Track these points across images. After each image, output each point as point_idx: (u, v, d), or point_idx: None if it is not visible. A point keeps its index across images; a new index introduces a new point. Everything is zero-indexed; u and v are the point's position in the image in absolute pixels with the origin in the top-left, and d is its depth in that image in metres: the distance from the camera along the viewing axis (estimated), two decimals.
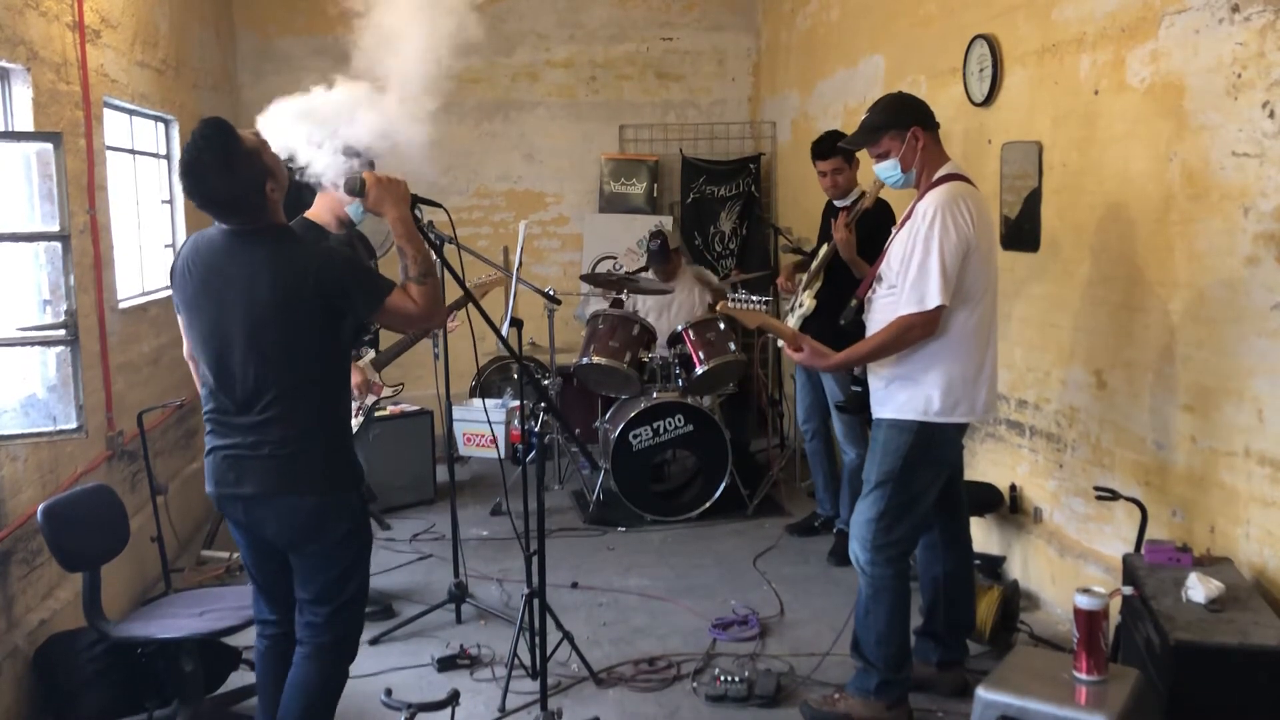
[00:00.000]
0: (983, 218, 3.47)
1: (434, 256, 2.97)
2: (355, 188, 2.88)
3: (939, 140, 3.61)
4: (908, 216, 3.51)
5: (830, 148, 5.17)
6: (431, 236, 4.22)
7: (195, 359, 3.00)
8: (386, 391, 4.71)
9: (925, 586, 3.87)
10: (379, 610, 4.63)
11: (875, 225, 4.81)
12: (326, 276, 2.82)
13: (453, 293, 4.57)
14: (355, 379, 4.55)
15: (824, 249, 5.07)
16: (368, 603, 4.60)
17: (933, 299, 3.35)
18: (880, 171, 3.63)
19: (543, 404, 3.56)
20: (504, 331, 5.00)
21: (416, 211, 2.99)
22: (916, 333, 3.41)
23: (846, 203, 5.23)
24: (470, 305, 3.41)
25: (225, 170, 2.75)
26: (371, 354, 4.71)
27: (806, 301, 5.01)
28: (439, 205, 3.26)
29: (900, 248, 3.46)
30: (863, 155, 4.56)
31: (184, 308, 2.96)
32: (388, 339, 4.89)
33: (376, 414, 5.89)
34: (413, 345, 4.96)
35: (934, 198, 3.43)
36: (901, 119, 3.54)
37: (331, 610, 3.00)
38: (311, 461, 2.90)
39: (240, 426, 2.89)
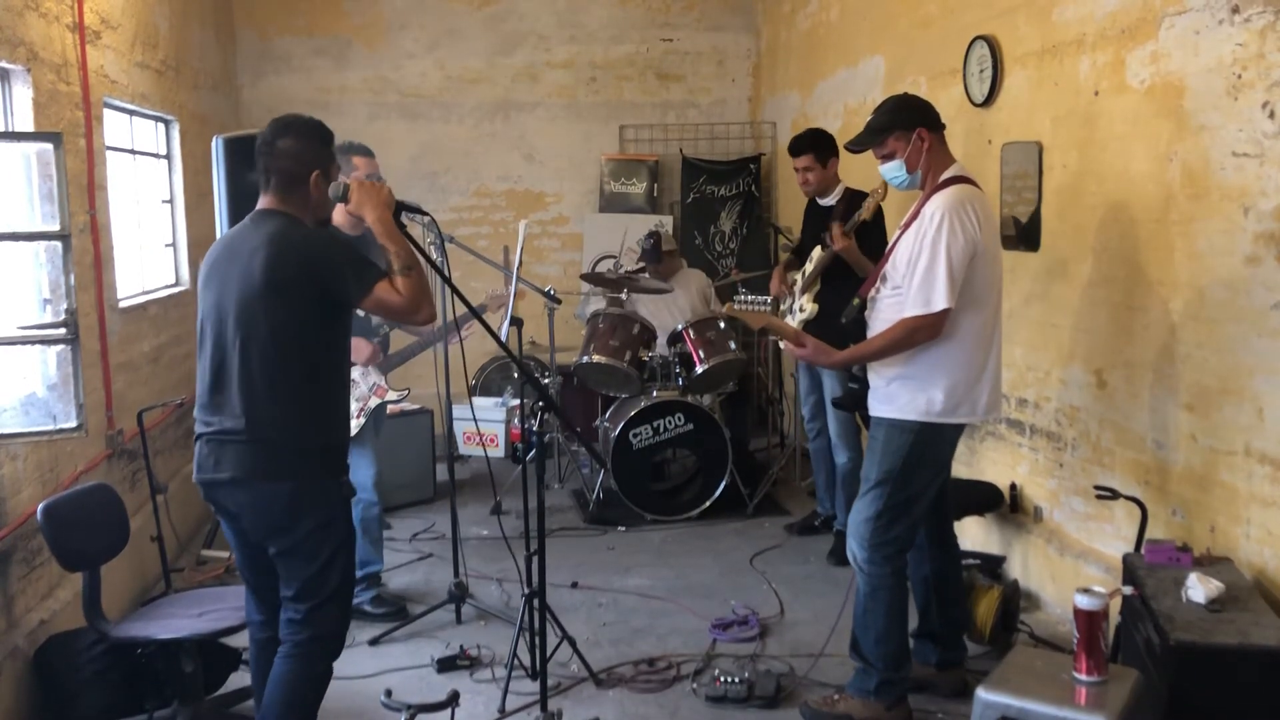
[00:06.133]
0: (989, 221, 3.47)
1: (418, 254, 3.09)
2: (339, 194, 3.07)
3: (944, 142, 3.60)
4: (913, 217, 3.51)
5: (800, 146, 5.24)
6: (433, 235, 4.25)
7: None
8: (392, 395, 4.70)
9: (916, 587, 3.87)
10: (393, 611, 4.63)
11: (866, 226, 4.86)
12: (318, 257, 2.96)
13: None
14: (366, 352, 4.58)
15: (817, 253, 5.07)
16: (382, 604, 4.64)
17: (939, 302, 3.36)
18: (885, 173, 3.63)
19: (542, 403, 3.55)
20: (504, 331, 5.02)
21: (405, 217, 3.15)
22: (922, 335, 3.41)
23: (830, 201, 5.25)
24: (470, 315, 3.47)
25: (297, 134, 3.05)
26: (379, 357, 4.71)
27: (808, 306, 5.02)
28: (425, 214, 3.38)
29: (906, 249, 3.46)
30: (846, 160, 4.71)
31: (199, 296, 3.09)
32: (398, 343, 4.89)
33: None
34: (421, 351, 4.95)
35: (941, 200, 3.43)
36: (907, 120, 3.54)
37: (311, 607, 3.02)
38: (288, 446, 2.95)
39: (225, 409, 2.95)
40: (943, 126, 3.60)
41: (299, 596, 3.02)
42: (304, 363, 2.97)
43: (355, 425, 4.53)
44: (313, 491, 2.99)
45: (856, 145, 3.69)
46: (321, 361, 3.03)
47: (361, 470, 4.48)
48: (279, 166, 3.02)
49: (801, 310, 5.05)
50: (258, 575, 3.14)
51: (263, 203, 3.06)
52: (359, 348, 4.58)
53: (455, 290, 3.30)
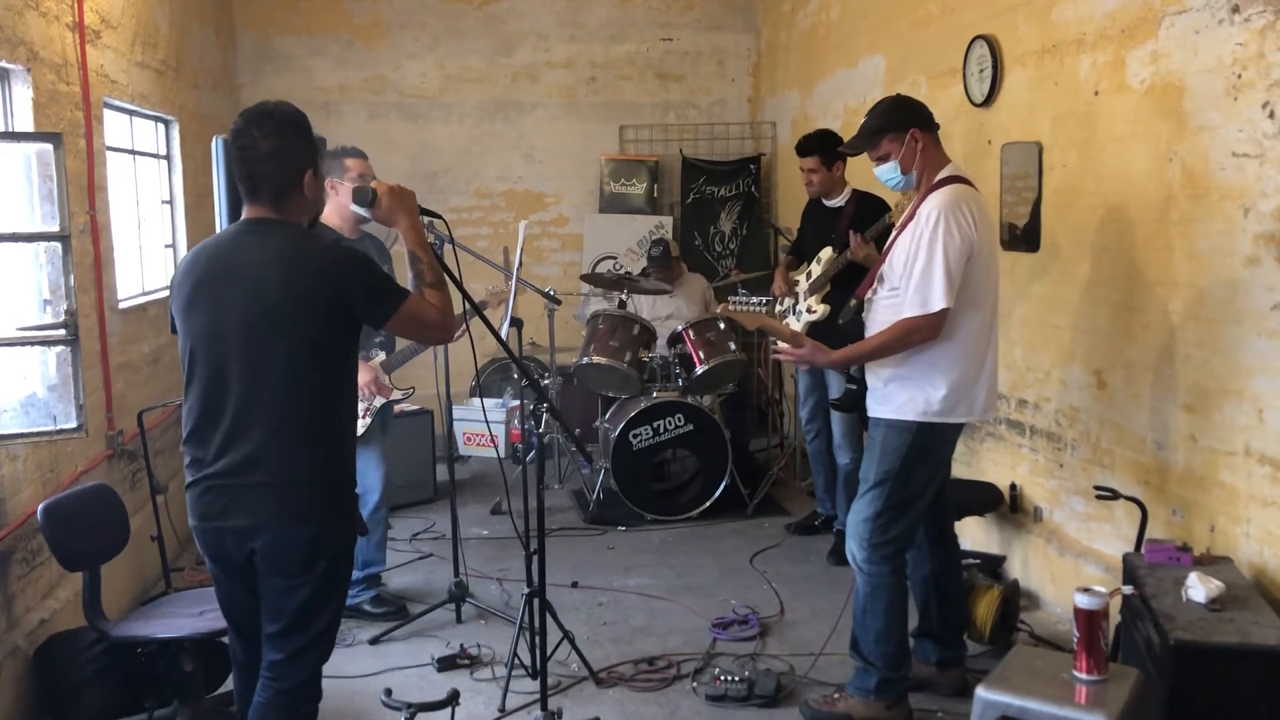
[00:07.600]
0: (984, 220, 3.47)
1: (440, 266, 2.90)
2: (366, 199, 2.85)
3: (939, 142, 3.61)
4: (909, 218, 3.51)
5: (808, 146, 5.25)
6: (433, 236, 4.25)
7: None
8: (396, 394, 4.70)
9: (916, 587, 3.87)
10: (393, 610, 4.63)
11: (868, 221, 4.88)
12: (344, 277, 2.65)
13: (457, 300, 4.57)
14: (365, 377, 4.53)
15: (827, 254, 5.07)
16: (382, 603, 4.63)
17: (937, 302, 3.36)
18: (880, 174, 3.63)
19: (544, 404, 3.55)
20: (504, 331, 5.01)
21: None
22: (921, 335, 3.41)
23: (838, 203, 5.25)
24: (473, 311, 3.36)
25: (278, 132, 2.68)
26: (381, 356, 4.70)
27: (817, 308, 5.02)
28: (438, 215, 3.28)
29: (903, 250, 3.46)
30: (854, 162, 4.68)
31: (178, 315, 2.75)
32: (399, 343, 4.89)
33: None
34: (423, 350, 4.94)
35: (936, 200, 3.43)
36: (900, 121, 3.54)
37: (298, 648, 2.74)
38: (306, 490, 2.68)
39: (229, 449, 2.64)
40: (937, 126, 3.60)
41: (288, 632, 2.73)
42: (319, 393, 2.67)
43: (361, 425, 4.51)
44: (329, 534, 2.72)
45: (851, 148, 3.70)
46: (336, 390, 2.74)
47: (370, 472, 4.47)
48: (268, 172, 2.67)
49: (810, 311, 5.05)
50: (248, 614, 2.83)
51: (254, 210, 2.72)
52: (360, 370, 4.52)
53: (466, 296, 3.19)
